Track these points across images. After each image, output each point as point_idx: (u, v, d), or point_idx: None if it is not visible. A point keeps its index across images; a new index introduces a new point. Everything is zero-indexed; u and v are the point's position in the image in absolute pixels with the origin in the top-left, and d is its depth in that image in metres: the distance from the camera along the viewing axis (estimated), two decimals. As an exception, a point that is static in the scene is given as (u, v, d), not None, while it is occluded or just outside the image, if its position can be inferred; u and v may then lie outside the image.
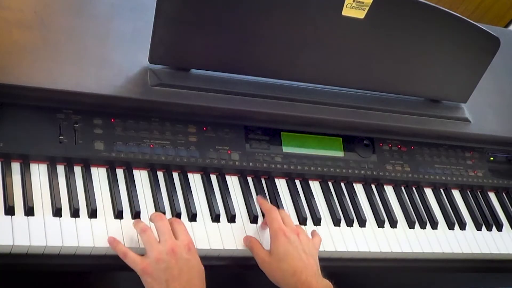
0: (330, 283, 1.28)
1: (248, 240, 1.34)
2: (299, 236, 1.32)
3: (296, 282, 1.26)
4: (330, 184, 1.53)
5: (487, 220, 1.63)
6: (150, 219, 1.27)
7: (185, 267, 1.19)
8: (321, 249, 1.39)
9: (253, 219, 1.39)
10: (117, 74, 1.37)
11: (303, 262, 1.28)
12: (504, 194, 1.72)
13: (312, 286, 1.26)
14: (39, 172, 1.28)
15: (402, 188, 1.60)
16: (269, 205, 1.38)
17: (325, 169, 1.52)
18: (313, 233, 1.40)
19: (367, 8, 1.42)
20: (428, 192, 1.63)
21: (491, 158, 1.73)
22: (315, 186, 1.52)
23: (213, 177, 1.43)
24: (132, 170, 1.36)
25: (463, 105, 1.69)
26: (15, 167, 1.27)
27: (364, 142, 1.59)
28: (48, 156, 1.29)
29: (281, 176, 1.49)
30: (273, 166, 1.47)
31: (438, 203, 1.62)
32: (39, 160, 1.29)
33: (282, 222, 1.33)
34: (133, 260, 1.19)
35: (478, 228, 1.61)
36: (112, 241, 1.22)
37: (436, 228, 1.56)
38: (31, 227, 1.20)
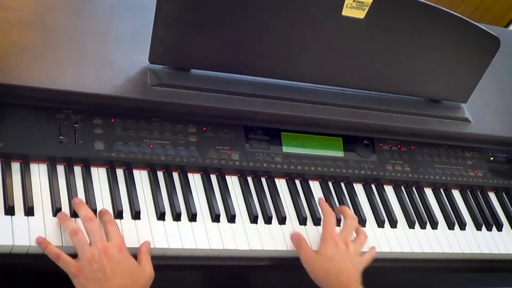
0: None
1: (296, 236, 1.37)
2: (347, 247, 1.35)
3: (338, 284, 1.30)
4: (330, 184, 1.53)
5: (487, 220, 1.63)
6: (81, 218, 1.23)
7: (118, 267, 1.18)
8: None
9: (253, 219, 1.39)
10: (117, 74, 1.37)
11: (348, 268, 1.32)
12: (504, 194, 1.72)
13: None
14: (39, 172, 1.28)
15: (402, 188, 1.60)
16: (329, 209, 1.42)
17: (325, 169, 1.52)
18: (366, 251, 1.41)
19: (367, 8, 1.42)
20: (428, 192, 1.63)
21: (491, 158, 1.73)
22: (315, 186, 1.52)
23: (213, 177, 1.43)
24: (132, 170, 1.36)
25: (463, 105, 1.69)
26: (15, 167, 1.27)
27: (364, 142, 1.59)
28: (48, 156, 1.29)
29: (281, 176, 1.49)
30: (273, 166, 1.47)
31: (438, 203, 1.62)
32: (39, 160, 1.29)
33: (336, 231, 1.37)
34: (66, 262, 1.18)
35: (478, 228, 1.61)
36: (42, 241, 1.19)
37: (436, 228, 1.56)
38: (31, 227, 1.20)
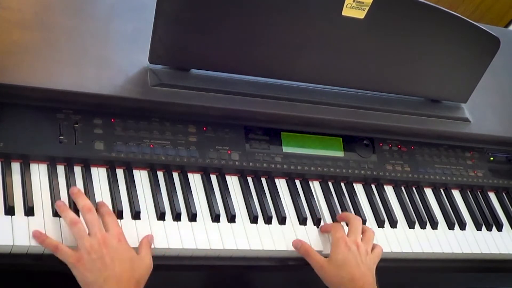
0: None
1: (299, 244, 1.37)
2: (358, 248, 1.35)
3: None
4: (330, 184, 1.53)
5: (487, 220, 1.63)
6: (80, 209, 1.24)
7: (117, 255, 1.19)
8: (320, 249, 1.39)
9: (253, 219, 1.39)
10: (117, 74, 1.37)
11: (361, 271, 1.32)
12: (504, 194, 1.72)
13: None
14: (39, 172, 1.28)
15: (402, 188, 1.60)
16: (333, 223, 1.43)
17: (325, 169, 1.52)
18: (374, 245, 1.41)
19: (367, 8, 1.42)
20: (428, 192, 1.63)
21: (491, 158, 1.73)
22: (315, 186, 1.52)
23: (213, 177, 1.43)
24: (132, 170, 1.36)
25: (463, 105, 1.69)
26: (15, 167, 1.27)
27: (364, 142, 1.59)
28: (48, 156, 1.29)
29: (281, 176, 1.49)
30: (273, 166, 1.47)
31: (438, 203, 1.62)
32: (39, 160, 1.29)
33: (345, 233, 1.38)
34: (65, 253, 1.18)
35: (478, 228, 1.61)
36: (39, 235, 1.19)
37: (436, 228, 1.56)
38: (31, 227, 1.20)
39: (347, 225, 1.43)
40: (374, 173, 1.57)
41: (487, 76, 1.65)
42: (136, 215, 1.29)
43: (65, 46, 1.36)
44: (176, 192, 1.36)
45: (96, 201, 1.27)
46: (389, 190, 1.59)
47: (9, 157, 1.27)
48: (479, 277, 1.66)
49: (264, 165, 1.46)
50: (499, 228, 1.63)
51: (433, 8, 1.48)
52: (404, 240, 1.50)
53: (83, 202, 1.24)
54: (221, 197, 1.40)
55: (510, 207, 1.70)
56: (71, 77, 1.32)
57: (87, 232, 1.20)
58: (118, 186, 1.32)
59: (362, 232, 1.41)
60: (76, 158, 1.31)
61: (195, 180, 1.41)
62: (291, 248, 1.37)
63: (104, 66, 1.36)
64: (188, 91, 1.41)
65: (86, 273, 1.17)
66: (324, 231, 1.43)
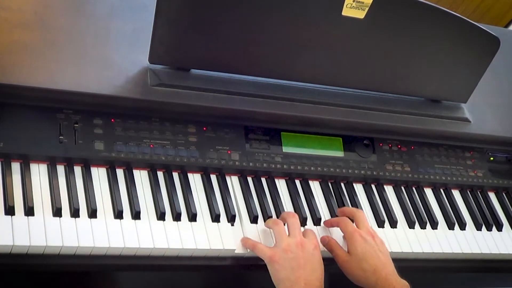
0: (408, 283, 1.32)
1: (326, 240, 1.38)
2: (374, 238, 1.37)
3: (377, 279, 1.31)
4: (330, 184, 1.53)
5: (487, 220, 1.63)
6: (282, 217, 1.36)
7: (311, 260, 1.28)
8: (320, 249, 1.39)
9: (253, 219, 1.39)
10: (117, 74, 1.37)
11: (381, 261, 1.34)
12: (504, 194, 1.72)
13: (392, 283, 1.31)
14: (39, 172, 1.28)
15: (402, 188, 1.60)
16: (339, 217, 1.44)
17: (325, 169, 1.52)
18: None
19: (367, 8, 1.42)
20: (428, 192, 1.63)
21: (491, 158, 1.73)
22: (315, 186, 1.52)
23: (213, 177, 1.43)
24: (132, 170, 1.36)
25: (463, 105, 1.69)
26: (15, 167, 1.27)
27: (364, 142, 1.59)
28: (48, 156, 1.29)
29: (281, 176, 1.49)
30: (273, 166, 1.47)
31: (438, 203, 1.62)
32: (39, 160, 1.29)
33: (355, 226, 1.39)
34: (261, 250, 1.29)
35: (478, 228, 1.61)
36: (243, 240, 1.33)
37: (436, 228, 1.56)
38: (31, 227, 1.20)
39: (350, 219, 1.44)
40: (374, 173, 1.57)
41: (487, 76, 1.65)
42: (136, 215, 1.29)
43: (65, 46, 1.36)
44: (176, 192, 1.36)
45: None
46: (389, 190, 1.59)
47: (9, 157, 1.27)
48: (479, 277, 1.66)
49: (264, 165, 1.46)
50: (499, 228, 1.64)
51: (433, 8, 1.48)
52: (404, 240, 1.50)
53: (288, 212, 1.39)
54: (221, 197, 1.40)
55: (510, 207, 1.70)
56: (71, 77, 1.32)
57: (288, 234, 1.30)
58: (118, 186, 1.32)
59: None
60: (76, 158, 1.31)
61: (195, 180, 1.41)
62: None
63: (104, 66, 1.36)
64: (188, 91, 1.41)
65: (280, 269, 1.26)
66: (329, 225, 1.44)
